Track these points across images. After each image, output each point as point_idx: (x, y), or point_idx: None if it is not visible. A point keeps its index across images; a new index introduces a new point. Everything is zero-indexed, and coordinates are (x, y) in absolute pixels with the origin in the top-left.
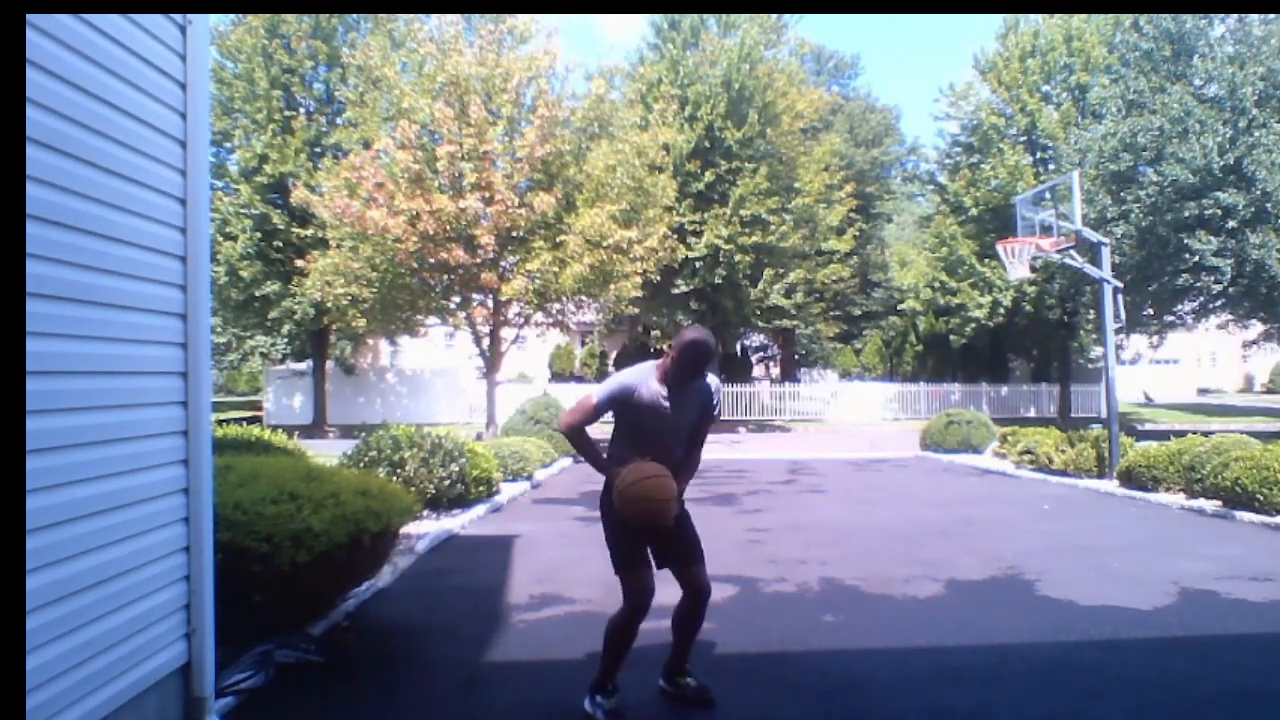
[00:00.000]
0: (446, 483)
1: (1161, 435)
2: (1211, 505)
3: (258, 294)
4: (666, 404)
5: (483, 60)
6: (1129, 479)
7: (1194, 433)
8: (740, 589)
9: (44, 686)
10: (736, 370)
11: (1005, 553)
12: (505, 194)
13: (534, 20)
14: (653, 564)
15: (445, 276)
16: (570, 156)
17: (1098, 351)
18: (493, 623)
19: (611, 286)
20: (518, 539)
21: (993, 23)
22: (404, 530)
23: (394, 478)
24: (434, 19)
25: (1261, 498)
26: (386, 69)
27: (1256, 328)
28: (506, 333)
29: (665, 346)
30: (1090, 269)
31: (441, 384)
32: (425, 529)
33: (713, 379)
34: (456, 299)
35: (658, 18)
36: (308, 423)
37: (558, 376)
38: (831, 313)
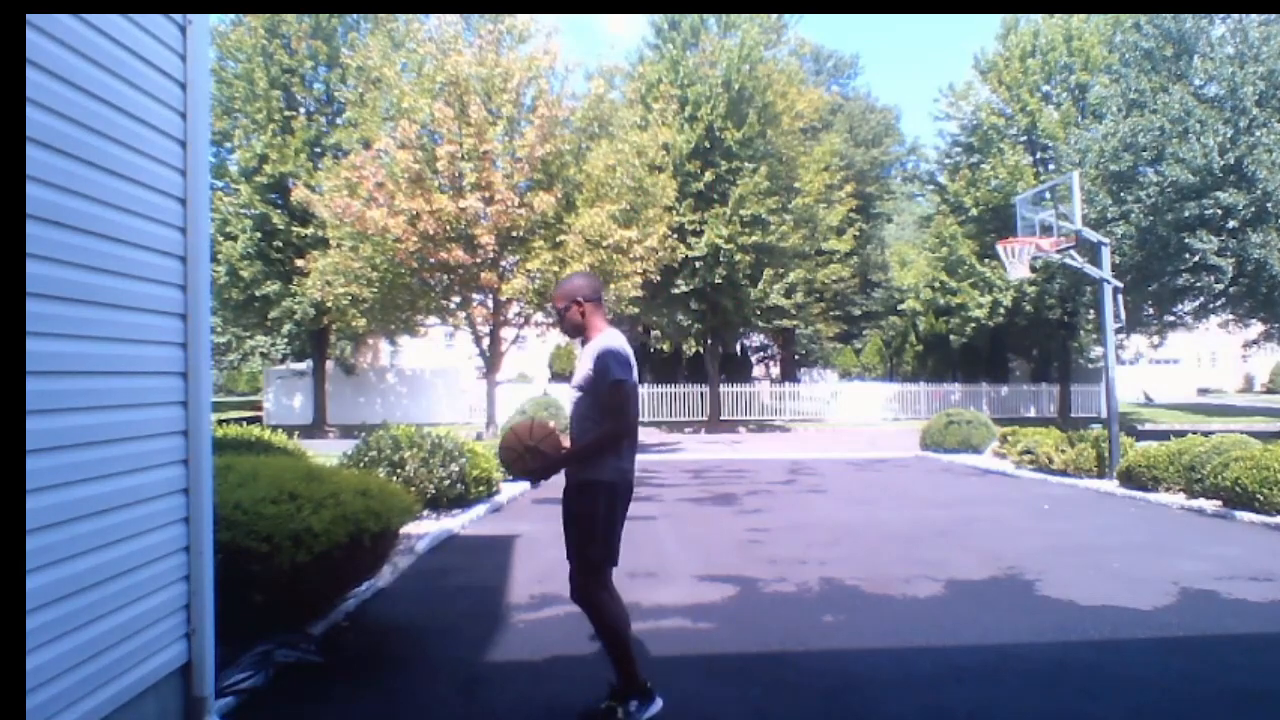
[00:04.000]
0: (446, 483)
1: (1161, 435)
2: (1211, 505)
3: (258, 294)
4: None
5: (482, 60)
6: (1129, 479)
7: (1194, 433)
8: (740, 589)
9: (44, 686)
10: (736, 370)
11: (1005, 553)
12: (505, 194)
13: (533, 20)
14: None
15: (445, 276)
16: (570, 156)
17: (1098, 351)
18: (493, 623)
19: (611, 286)
20: (518, 539)
21: (993, 23)
22: (404, 530)
23: (394, 478)
24: (434, 19)
25: (1261, 498)
26: (386, 69)
27: (1257, 327)
28: (506, 333)
29: (665, 346)
30: (1090, 269)
31: (441, 384)
32: (425, 529)
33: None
34: (456, 299)
35: (658, 18)
36: (308, 423)
37: (558, 376)
38: (831, 313)
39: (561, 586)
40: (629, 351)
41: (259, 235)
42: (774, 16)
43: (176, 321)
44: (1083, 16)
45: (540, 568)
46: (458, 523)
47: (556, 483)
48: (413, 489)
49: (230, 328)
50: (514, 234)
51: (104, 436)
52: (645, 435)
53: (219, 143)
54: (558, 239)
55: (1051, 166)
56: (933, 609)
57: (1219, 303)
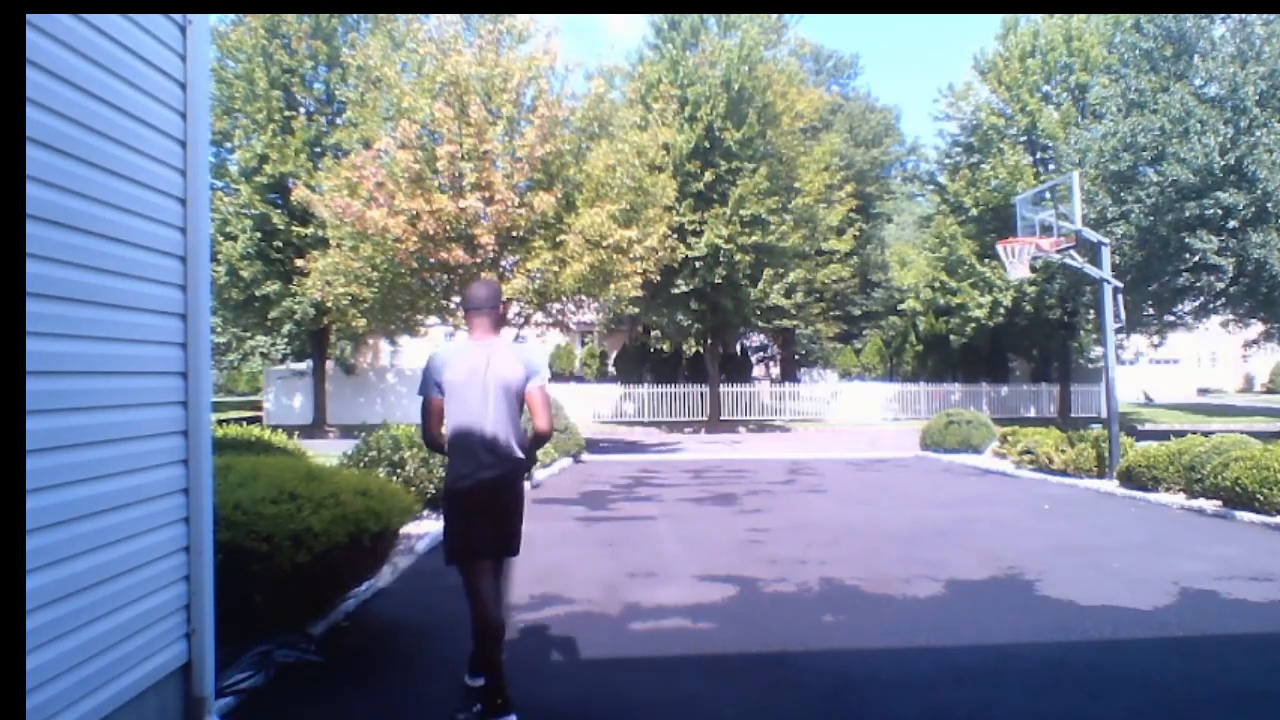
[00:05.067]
0: None
1: (1161, 435)
2: (1211, 505)
3: (258, 294)
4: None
5: (482, 60)
6: (1129, 479)
7: (1194, 433)
8: (740, 589)
9: (44, 686)
10: (736, 370)
11: (1005, 552)
12: (505, 194)
13: (533, 20)
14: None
15: (445, 276)
16: (570, 156)
17: (1098, 351)
18: None
19: (611, 286)
20: None
21: (993, 23)
22: (404, 530)
23: (394, 478)
24: (433, 19)
25: (1261, 498)
26: (386, 69)
27: (1257, 327)
28: (506, 332)
29: (665, 346)
30: (1090, 269)
31: None
32: (425, 529)
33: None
34: (457, 299)
35: (658, 18)
36: (308, 423)
37: (558, 376)
38: (831, 313)
39: (561, 587)
40: (441, 362)
41: (259, 235)
42: (774, 16)
43: (176, 321)
44: (1083, 16)
45: (539, 568)
46: None
47: (558, 484)
48: (413, 489)
49: (230, 328)
50: (514, 234)
51: (104, 436)
52: (645, 435)
53: (219, 143)
54: (558, 239)
55: (1051, 166)
56: (933, 609)
57: (1219, 303)
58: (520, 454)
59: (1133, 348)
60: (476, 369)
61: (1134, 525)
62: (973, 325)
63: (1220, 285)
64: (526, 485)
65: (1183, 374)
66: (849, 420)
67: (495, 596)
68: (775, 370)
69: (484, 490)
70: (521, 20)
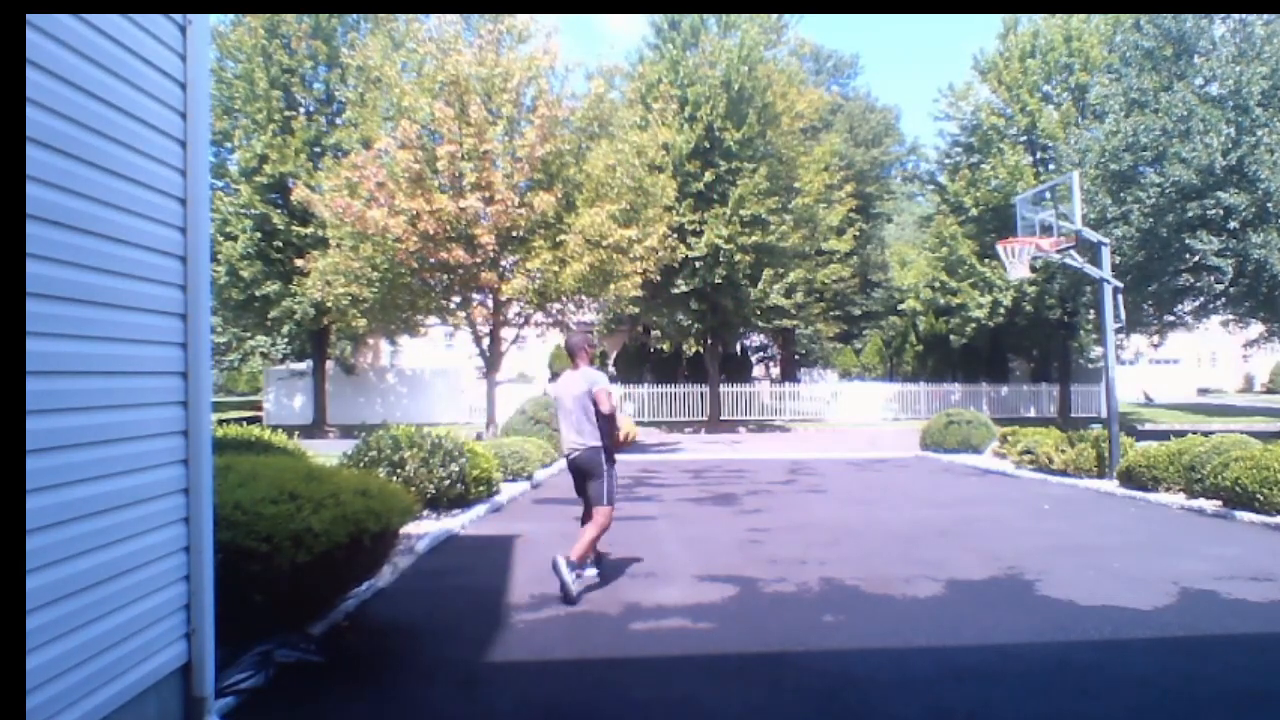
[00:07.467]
0: (446, 483)
1: (1161, 435)
2: (1211, 505)
3: (258, 294)
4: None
5: (482, 60)
6: (1129, 479)
7: (1194, 433)
8: (740, 589)
9: (44, 686)
10: (736, 370)
11: (1005, 553)
12: (505, 194)
13: (533, 20)
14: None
15: (445, 276)
16: (570, 156)
17: (1098, 351)
18: (493, 623)
19: (611, 286)
20: (518, 539)
21: (993, 23)
22: (404, 530)
23: (394, 478)
24: (433, 19)
25: (1261, 498)
26: (387, 68)
27: (1257, 327)
28: (506, 333)
29: (665, 346)
30: (1090, 269)
31: (441, 384)
32: (425, 529)
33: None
34: (456, 299)
35: (658, 18)
36: (308, 423)
37: (557, 376)
38: (831, 313)
39: (560, 587)
40: (553, 382)
41: (259, 235)
42: (774, 16)
43: (176, 321)
44: (1083, 16)
45: (540, 568)
46: (458, 523)
47: (558, 484)
48: (413, 489)
49: (230, 328)
50: (514, 234)
51: (104, 436)
52: (645, 435)
53: (219, 143)
54: (558, 239)
55: (1051, 166)
56: (933, 609)
57: (1219, 303)
58: (592, 441)
59: (1133, 348)
60: (565, 387)
61: (1134, 525)
62: (973, 325)
63: (1220, 285)
64: (526, 487)
65: (1183, 374)
66: (849, 420)
67: (587, 510)
68: (775, 370)
69: (570, 461)
70: (521, 20)
